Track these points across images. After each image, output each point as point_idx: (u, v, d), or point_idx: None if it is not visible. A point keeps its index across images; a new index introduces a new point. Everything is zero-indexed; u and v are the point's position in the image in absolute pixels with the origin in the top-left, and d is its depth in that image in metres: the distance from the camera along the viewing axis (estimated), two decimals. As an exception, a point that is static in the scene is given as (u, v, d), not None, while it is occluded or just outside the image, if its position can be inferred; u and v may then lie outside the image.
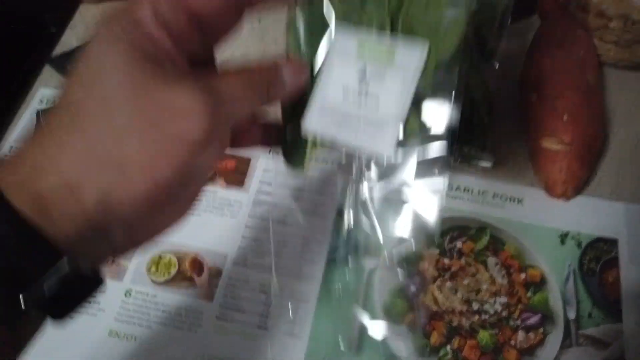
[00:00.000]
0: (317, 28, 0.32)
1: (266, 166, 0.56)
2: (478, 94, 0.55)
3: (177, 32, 0.25)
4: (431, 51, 0.30)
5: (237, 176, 0.55)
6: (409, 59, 0.31)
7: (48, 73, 0.61)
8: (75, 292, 0.23)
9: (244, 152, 0.57)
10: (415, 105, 0.32)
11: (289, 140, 0.35)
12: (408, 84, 0.31)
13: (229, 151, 0.32)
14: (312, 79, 0.33)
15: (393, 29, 0.31)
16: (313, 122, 0.33)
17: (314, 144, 0.34)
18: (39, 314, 0.22)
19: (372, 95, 0.32)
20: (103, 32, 0.24)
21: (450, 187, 0.55)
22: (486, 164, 0.53)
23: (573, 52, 0.54)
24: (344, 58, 0.32)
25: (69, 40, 0.64)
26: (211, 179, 0.55)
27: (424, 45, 0.30)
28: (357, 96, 0.32)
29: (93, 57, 0.24)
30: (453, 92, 0.32)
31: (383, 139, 0.32)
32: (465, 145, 0.53)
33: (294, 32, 0.33)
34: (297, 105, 0.33)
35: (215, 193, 0.54)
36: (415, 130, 0.33)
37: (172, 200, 0.25)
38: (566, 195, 0.52)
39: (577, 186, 0.52)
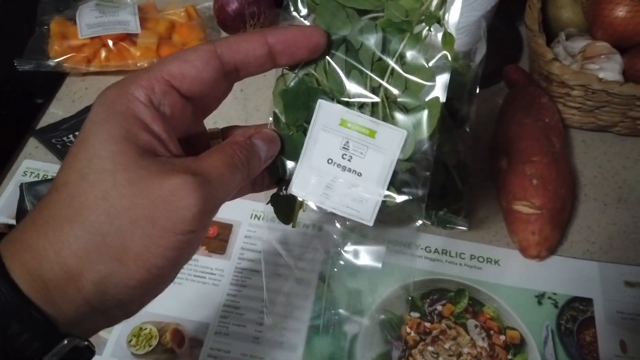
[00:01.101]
0: (303, 98, 0.34)
1: (248, 232, 0.57)
2: (452, 160, 0.57)
3: (170, 114, 0.27)
4: (409, 136, 0.32)
5: (218, 243, 0.56)
6: (390, 141, 0.33)
7: (33, 145, 0.62)
8: None
9: (226, 218, 0.58)
10: (394, 175, 0.33)
11: (280, 199, 0.36)
12: (388, 163, 0.33)
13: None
14: (298, 146, 0.34)
15: (374, 108, 0.33)
16: (299, 186, 0.35)
17: (300, 205, 0.36)
18: None
19: (354, 167, 0.34)
20: (99, 118, 0.25)
21: (428, 249, 0.56)
22: (462, 227, 0.55)
23: (539, 119, 0.57)
24: (328, 130, 0.33)
25: (54, 112, 0.66)
26: (193, 247, 0.55)
27: (403, 133, 0.32)
28: (340, 167, 0.34)
29: (90, 145, 0.25)
30: (429, 160, 0.34)
31: (364, 209, 0.34)
32: (442, 209, 0.55)
33: (280, 102, 0.35)
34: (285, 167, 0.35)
35: (196, 261, 0.55)
36: (392, 198, 0.34)
37: (164, 282, 0.26)
38: (540, 257, 0.54)
39: (550, 247, 0.54)
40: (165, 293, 0.27)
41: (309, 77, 0.33)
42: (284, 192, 0.35)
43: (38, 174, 0.60)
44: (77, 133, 0.62)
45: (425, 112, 0.32)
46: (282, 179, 0.35)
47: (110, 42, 0.67)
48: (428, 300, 0.53)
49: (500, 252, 0.56)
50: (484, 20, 0.66)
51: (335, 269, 0.46)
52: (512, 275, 0.55)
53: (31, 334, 0.22)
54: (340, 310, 0.52)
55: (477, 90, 0.61)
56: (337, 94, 0.33)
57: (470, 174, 0.59)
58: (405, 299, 0.53)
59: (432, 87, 0.32)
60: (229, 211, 0.58)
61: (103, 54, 0.66)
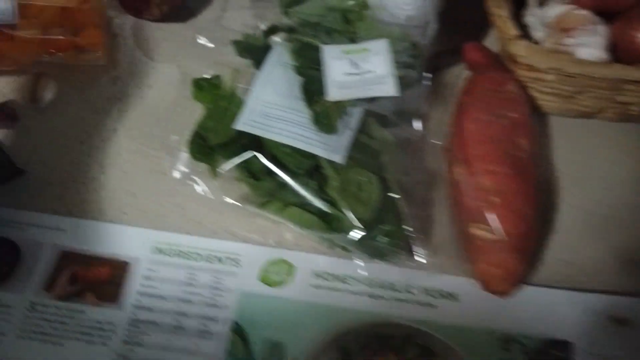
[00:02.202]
0: (313, 53, 0.48)
1: (148, 272, 0.46)
2: (392, 170, 0.46)
3: None
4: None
5: (110, 288, 0.46)
6: (380, 47, 0.48)
7: None
8: None
9: (120, 253, 0.47)
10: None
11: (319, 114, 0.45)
12: (387, 56, 0.47)
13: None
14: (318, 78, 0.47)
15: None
16: (335, 93, 0.46)
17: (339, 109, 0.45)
18: None
19: (366, 70, 0.47)
20: None
21: (369, 283, 0.46)
22: (419, 258, 0.44)
23: (502, 115, 0.46)
24: (336, 58, 0.48)
25: None
26: (77, 295, 0.45)
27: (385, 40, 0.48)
28: (356, 74, 0.47)
29: None
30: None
31: (387, 86, 0.46)
32: (377, 235, 0.44)
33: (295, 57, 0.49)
34: None
35: (82, 313, 0.45)
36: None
37: None
38: (504, 292, 0.43)
39: (516, 281, 0.43)
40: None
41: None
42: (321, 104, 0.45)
43: None
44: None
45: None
46: None
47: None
48: (366, 351, 0.43)
49: (460, 284, 0.45)
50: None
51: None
52: (473, 314, 0.44)
53: None
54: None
55: (430, 77, 0.49)
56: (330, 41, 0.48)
57: (420, 187, 0.48)
58: (336, 352, 0.42)
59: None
60: (124, 245, 0.47)
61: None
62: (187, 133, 0.50)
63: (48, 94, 0.55)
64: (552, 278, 0.45)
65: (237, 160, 0.46)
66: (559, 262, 0.46)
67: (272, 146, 0.45)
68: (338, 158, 0.44)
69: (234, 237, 0.48)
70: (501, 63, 0.52)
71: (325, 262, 0.47)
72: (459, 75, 0.56)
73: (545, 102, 0.51)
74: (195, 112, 0.51)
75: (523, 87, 0.49)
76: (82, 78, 0.58)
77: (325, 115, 0.44)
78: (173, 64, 0.58)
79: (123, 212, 0.50)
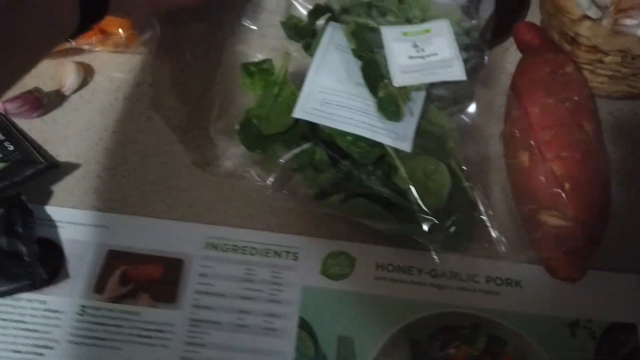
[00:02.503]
0: (374, 34, 0.46)
1: (203, 269, 0.44)
2: (457, 158, 0.45)
3: None
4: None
5: (165, 288, 0.43)
6: (441, 28, 0.46)
7: None
8: None
9: (173, 250, 0.44)
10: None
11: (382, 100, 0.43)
12: (450, 38, 0.46)
13: None
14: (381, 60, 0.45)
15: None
16: (400, 79, 0.44)
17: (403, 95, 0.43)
18: None
19: (429, 52, 0.45)
20: None
21: (433, 273, 0.45)
22: (474, 245, 0.43)
23: (566, 97, 0.45)
24: (396, 40, 0.46)
25: None
26: (132, 296, 0.43)
27: (446, 21, 0.46)
28: (419, 57, 0.45)
29: None
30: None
31: (453, 70, 0.45)
32: (450, 226, 0.43)
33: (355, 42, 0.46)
34: None
35: (137, 315, 0.42)
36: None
37: None
38: (572, 278, 0.42)
39: (585, 267, 0.42)
40: None
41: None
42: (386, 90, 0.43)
43: None
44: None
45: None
46: None
47: None
48: (438, 342, 0.42)
49: (522, 270, 0.45)
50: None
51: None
52: (538, 301, 0.44)
53: None
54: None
55: (485, 61, 0.48)
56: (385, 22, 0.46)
57: (478, 173, 0.47)
58: (406, 345, 0.42)
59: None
60: (175, 240, 0.45)
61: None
62: (230, 120, 0.47)
63: (74, 80, 0.51)
64: (615, 262, 0.45)
65: (296, 150, 0.44)
66: (619, 247, 0.46)
67: (333, 135, 0.43)
68: (405, 146, 0.42)
69: (289, 230, 0.46)
70: (554, 43, 0.50)
71: (387, 253, 0.45)
72: (504, 54, 0.55)
73: (597, 84, 0.50)
74: (240, 97, 0.48)
75: (580, 70, 0.48)
76: (110, 63, 0.54)
77: (390, 101, 0.42)
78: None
79: (168, 206, 0.47)
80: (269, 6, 0.52)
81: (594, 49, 0.46)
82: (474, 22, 0.48)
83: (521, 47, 0.52)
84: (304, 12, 0.50)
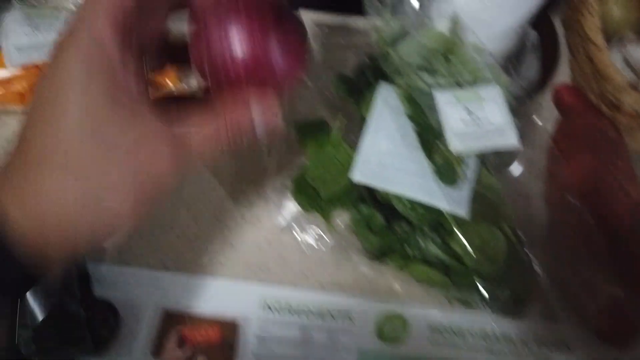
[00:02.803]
0: (428, 98, 0.46)
1: (260, 332, 0.44)
2: (508, 220, 0.46)
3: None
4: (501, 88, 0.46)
5: (224, 353, 0.43)
6: (493, 93, 0.46)
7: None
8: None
9: (228, 313, 0.44)
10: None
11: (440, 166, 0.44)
12: (502, 104, 0.46)
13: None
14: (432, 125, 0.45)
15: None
16: (455, 144, 0.44)
17: (458, 161, 0.44)
18: None
19: (481, 117, 0.45)
20: (66, 57, 0.26)
21: (487, 338, 0.45)
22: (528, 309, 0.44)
23: (610, 161, 0.46)
24: (449, 104, 0.46)
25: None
26: (189, 359, 0.42)
27: (497, 87, 0.47)
28: (472, 121, 0.45)
29: (58, 87, 0.26)
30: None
31: (506, 136, 0.44)
32: (505, 290, 0.43)
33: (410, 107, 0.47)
34: None
35: (197, 382, 0.42)
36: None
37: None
38: (624, 344, 0.43)
39: (636, 331, 0.43)
40: None
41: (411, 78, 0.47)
42: (444, 157, 0.44)
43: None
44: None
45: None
46: None
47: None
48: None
49: (573, 334, 0.46)
50: (526, 26, 0.54)
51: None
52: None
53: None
54: None
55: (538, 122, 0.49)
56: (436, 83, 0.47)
57: (530, 234, 0.47)
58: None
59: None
60: (231, 300, 0.45)
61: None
62: (284, 178, 0.48)
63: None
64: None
65: (353, 212, 0.45)
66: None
67: (389, 197, 0.44)
68: (462, 211, 0.43)
69: (343, 290, 0.46)
70: (594, 106, 0.52)
71: (441, 315, 0.46)
72: (537, 109, 0.56)
73: (637, 146, 0.52)
74: (295, 155, 0.49)
75: (621, 135, 0.50)
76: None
77: (447, 166, 0.43)
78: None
79: (221, 263, 0.47)
80: (318, 59, 0.53)
81: (638, 115, 0.47)
82: (519, 86, 0.50)
83: (561, 108, 0.53)
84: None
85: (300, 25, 0.32)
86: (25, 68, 0.50)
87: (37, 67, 0.50)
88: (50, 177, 0.26)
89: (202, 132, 0.30)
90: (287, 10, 0.31)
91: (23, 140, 0.27)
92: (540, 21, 0.54)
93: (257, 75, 0.30)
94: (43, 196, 0.26)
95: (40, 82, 0.27)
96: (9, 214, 0.25)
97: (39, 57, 0.50)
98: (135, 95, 0.28)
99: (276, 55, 0.29)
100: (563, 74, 0.60)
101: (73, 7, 0.55)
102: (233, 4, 0.30)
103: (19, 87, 0.50)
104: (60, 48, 0.27)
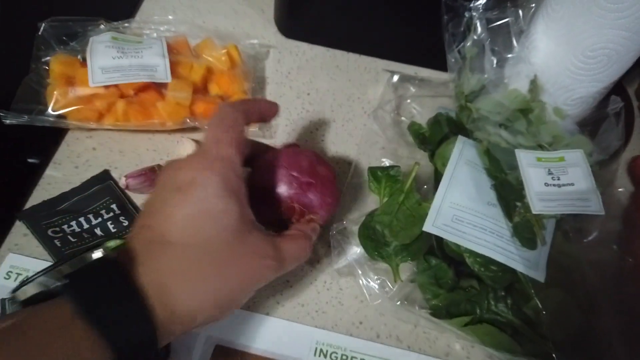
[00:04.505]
0: (509, 155, 0.46)
1: (310, 377, 0.42)
2: (580, 293, 0.43)
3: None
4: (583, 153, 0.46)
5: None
6: (575, 158, 0.46)
7: (20, 231, 0.47)
8: None
9: (283, 354, 0.43)
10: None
11: (519, 227, 0.43)
12: (585, 169, 0.45)
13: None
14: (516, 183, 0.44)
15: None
16: (538, 206, 0.43)
17: (539, 224, 0.43)
18: None
19: (565, 182, 0.44)
20: (206, 176, 0.32)
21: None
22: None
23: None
24: (532, 166, 0.45)
25: (51, 179, 0.50)
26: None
27: (580, 151, 0.46)
28: (555, 185, 0.44)
29: (199, 202, 0.32)
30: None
31: (591, 203, 0.44)
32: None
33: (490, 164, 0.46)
34: None
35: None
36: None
37: None
38: None
39: None
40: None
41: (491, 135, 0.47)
42: (523, 218, 0.42)
43: (27, 274, 0.44)
44: (81, 219, 0.47)
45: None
46: None
47: (130, 92, 0.51)
48: None
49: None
50: (605, 93, 0.53)
51: None
52: None
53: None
54: None
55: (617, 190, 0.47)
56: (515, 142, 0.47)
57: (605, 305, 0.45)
58: None
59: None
60: (284, 341, 0.43)
61: (120, 107, 0.51)
62: (350, 221, 0.47)
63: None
64: None
65: (422, 264, 0.43)
66: None
67: (462, 254, 0.42)
68: (539, 275, 0.41)
69: (400, 344, 0.44)
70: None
71: None
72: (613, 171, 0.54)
73: None
74: (361, 201, 0.48)
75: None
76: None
77: (526, 227, 0.42)
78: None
79: (277, 302, 0.46)
80: (387, 109, 0.53)
81: None
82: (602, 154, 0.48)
83: (638, 180, 0.51)
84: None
85: (330, 169, 0.43)
86: (106, 88, 0.51)
87: (117, 87, 0.51)
88: (189, 280, 0.30)
89: (294, 245, 0.37)
90: (322, 161, 0.43)
91: (164, 245, 0.31)
92: (614, 91, 0.54)
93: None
94: (180, 295, 0.30)
95: (174, 189, 0.32)
96: (155, 310, 0.29)
97: (121, 79, 0.51)
98: (250, 210, 0.34)
99: (316, 198, 0.41)
100: (635, 145, 0.59)
101: (155, 35, 0.57)
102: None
103: (98, 105, 0.50)
104: (197, 167, 0.33)
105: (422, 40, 0.57)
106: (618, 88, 0.61)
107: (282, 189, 0.40)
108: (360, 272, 0.45)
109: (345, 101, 0.59)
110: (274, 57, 0.62)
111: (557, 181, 0.43)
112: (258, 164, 0.42)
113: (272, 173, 0.41)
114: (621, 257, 0.47)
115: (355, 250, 0.46)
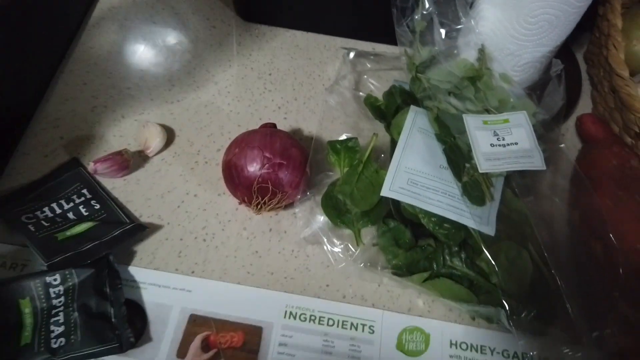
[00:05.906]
0: (457, 121, 0.49)
1: (282, 338, 0.45)
2: (535, 245, 0.46)
3: None
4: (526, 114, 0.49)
5: (246, 355, 0.44)
6: (519, 119, 0.49)
7: None
8: None
9: (253, 317, 0.45)
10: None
11: (468, 186, 0.45)
12: (528, 129, 0.48)
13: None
14: (463, 146, 0.47)
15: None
16: (484, 165, 0.46)
17: (487, 183, 0.46)
18: None
19: (509, 142, 0.47)
20: None
21: (505, 354, 0.45)
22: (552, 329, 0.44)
23: (635, 191, 0.47)
24: (478, 129, 0.48)
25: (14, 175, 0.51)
26: (214, 364, 0.43)
27: (524, 113, 0.49)
28: (500, 145, 0.47)
29: None
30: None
31: (533, 160, 0.46)
32: (530, 312, 0.44)
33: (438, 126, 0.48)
34: None
35: (220, 385, 0.42)
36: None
37: None
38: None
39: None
40: None
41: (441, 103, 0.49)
42: (472, 177, 0.45)
43: (4, 262, 0.46)
44: (54, 205, 0.48)
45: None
46: None
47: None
48: None
49: (593, 357, 0.46)
50: (551, 57, 0.55)
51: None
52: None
53: None
54: None
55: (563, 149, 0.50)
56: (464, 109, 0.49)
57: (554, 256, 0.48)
58: None
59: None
60: (256, 307, 0.46)
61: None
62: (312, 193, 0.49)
63: (159, 143, 0.53)
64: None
65: (382, 227, 0.46)
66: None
67: (418, 215, 0.45)
68: (489, 230, 0.44)
69: (365, 303, 0.47)
70: (617, 136, 0.53)
71: (461, 331, 0.46)
72: (557, 140, 0.58)
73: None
74: (321, 171, 0.50)
75: (642, 162, 0.51)
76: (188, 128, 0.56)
77: (475, 186, 0.45)
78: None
79: (248, 272, 0.48)
80: (345, 84, 0.56)
81: (661, 146, 0.48)
82: (543, 114, 0.51)
83: (585, 137, 0.55)
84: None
85: (302, 150, 0.48)
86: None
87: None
88: None
89: None
90: (295, 142, 0.47)
91: None
92: (562, 55, 0.56)
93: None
94: None
95: None
96: None
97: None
98: None
99: (286, 177, 0.45)
100: (583, 106, 0.62)
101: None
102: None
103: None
104: None
105: (377, 16, 0.59)
106: (566, 52, 0.65)
107: (255, 169, 0.44)
108: (325, 239, 0.48)
109: (306, 79, 0.61)
110: (234, 40, 0.63)
111: (502, 141, 0.46)
112: (236, 143, 0.47)
113: (247, 153, 0.45)
114: (568, 210, 0.50)
115: (320, 219, 0.48)
